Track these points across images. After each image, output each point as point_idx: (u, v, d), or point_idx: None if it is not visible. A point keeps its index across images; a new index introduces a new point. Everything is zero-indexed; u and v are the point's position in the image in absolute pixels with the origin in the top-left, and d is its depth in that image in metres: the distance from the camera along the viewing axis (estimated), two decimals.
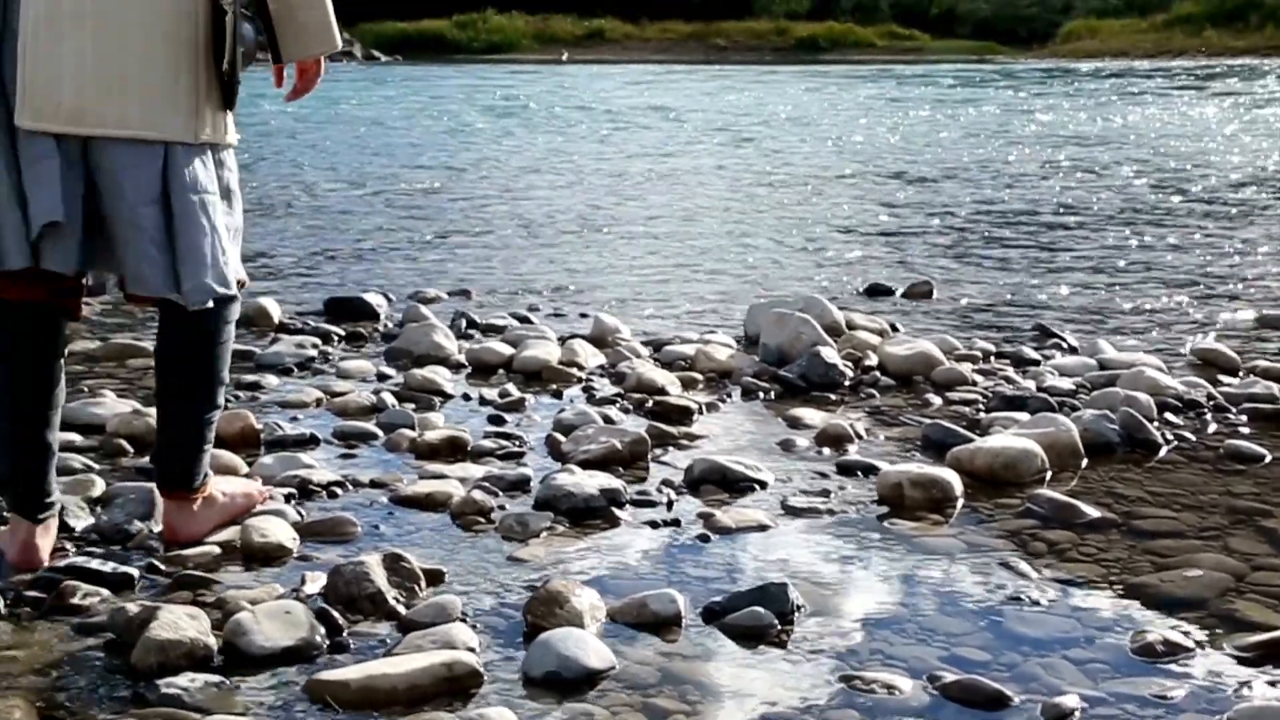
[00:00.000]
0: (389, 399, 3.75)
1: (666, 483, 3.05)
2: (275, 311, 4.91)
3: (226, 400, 2.71)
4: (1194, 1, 53.71)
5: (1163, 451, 3.35)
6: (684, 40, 60.02)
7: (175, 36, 2.26)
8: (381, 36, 55.04)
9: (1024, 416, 3.56)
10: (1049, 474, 3.15)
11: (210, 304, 2.33)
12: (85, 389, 3.82)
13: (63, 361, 2.46)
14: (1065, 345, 4.65)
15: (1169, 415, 3.63)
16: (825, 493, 3.02)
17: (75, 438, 3.27)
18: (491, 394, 3.87)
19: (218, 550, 2.56)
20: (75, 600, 2.28)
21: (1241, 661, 2.13)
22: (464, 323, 4.88)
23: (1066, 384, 3.98)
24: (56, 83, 2.19)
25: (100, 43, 2.20)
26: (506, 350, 4.33)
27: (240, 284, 2.47)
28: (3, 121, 2.21)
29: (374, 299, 5.20)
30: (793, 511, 2.89)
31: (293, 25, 2.45)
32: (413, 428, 3.46)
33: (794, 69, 37.63)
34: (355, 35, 52.25)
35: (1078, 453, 3.26)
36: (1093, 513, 2.85)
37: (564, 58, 51.31)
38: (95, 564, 2.42)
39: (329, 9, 2.51)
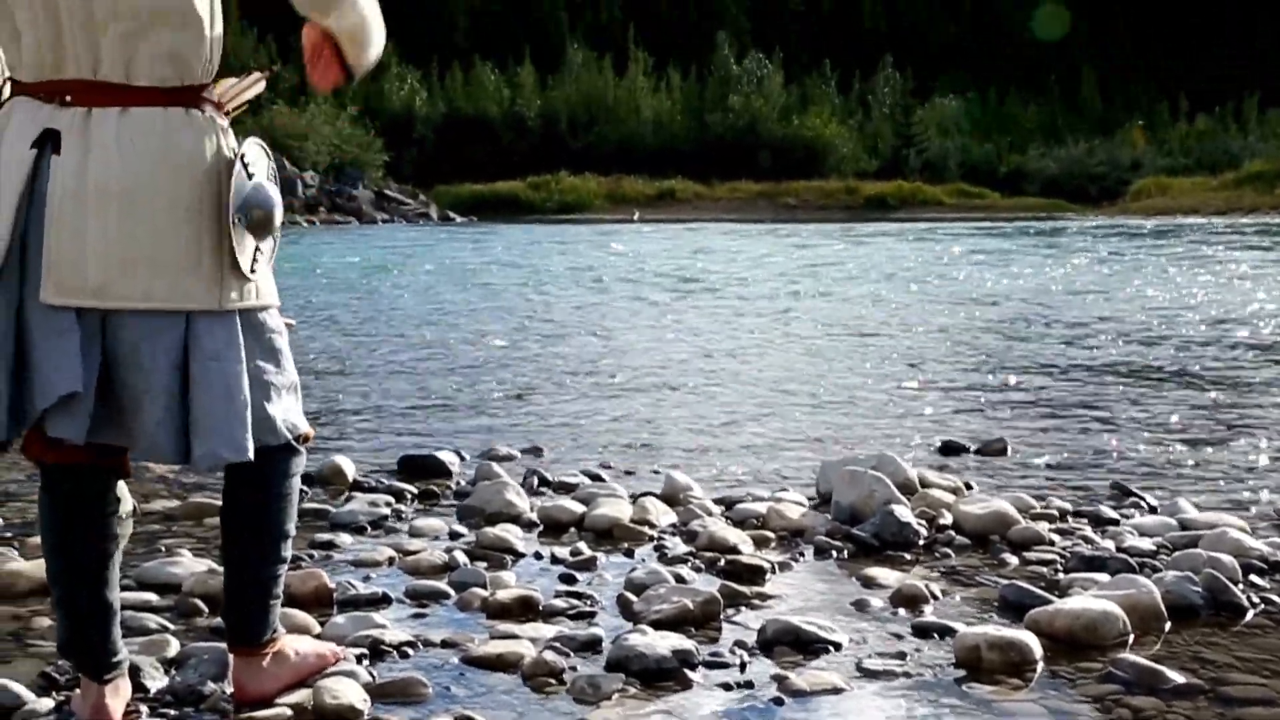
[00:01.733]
0: (461, 557, 3.75)
1: (739, 644, 3.02)
2: (349, 469, 4.95)
3: (300, 559, 2.73)
4: (1264, 160, 53.78)
5: (1249, 615, 3.27)
6: (753, 199, 60.85)
7: (199, 208, 2.28)
8: (457, 198, 56.29)
9: (1104, 578, 3.49)
10: (1131, 637, 3.07)
11: (272, 456, 2.35)
12: (162, 548, 3.86)
13: (116, 519, 2.47)
14: (1144, 504, 4.57)
15: (1254, 577, 3.54)
16: (901, 655, 2.96)
17: (151, 597, 3.29)
18: (563, 552, 3.86)
19: (289, 712, 2.55)
20: None
21: None
22: (536, 480, 4.89)
23: (1147, 544, 3.90)
24: (81, 260, 2.21)
25: (125, 219, 2.23)
26: (578, 508, 4.33)
27: (304, 438, 2.48)
28: (13, 289, 2.24)
29: (447, 456, 5.23)
30: (868, 674, 2.84)
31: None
32: (484, 587, 3.45)
33: (863, 226, 37.92)
34: (431, 197, 53.48)
35: (1160, 616, 3.19)
36: (1178, 678, 2.78)
37: (635, 217, 52.07)
38: None
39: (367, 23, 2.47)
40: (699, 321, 11.56)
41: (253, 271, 2.36)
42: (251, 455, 2.31)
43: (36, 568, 3.34)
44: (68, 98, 2.25)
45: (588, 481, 4.92)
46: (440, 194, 56.19)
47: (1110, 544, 3.92)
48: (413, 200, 50.72)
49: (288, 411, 2.43)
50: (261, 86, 2.45)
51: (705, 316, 12.05)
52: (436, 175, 62.49)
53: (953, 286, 15.49)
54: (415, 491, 4.74)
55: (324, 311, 12.47)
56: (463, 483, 4.93)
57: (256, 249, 2.37)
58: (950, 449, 5.66)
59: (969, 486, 4.79)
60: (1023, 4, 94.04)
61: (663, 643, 2.87)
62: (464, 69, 76.53)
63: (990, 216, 50.49)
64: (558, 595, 3.41)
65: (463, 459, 5.35)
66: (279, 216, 2.39)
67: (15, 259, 2.24)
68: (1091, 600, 3.17)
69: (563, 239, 29.18)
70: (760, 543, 3.99)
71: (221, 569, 3.31)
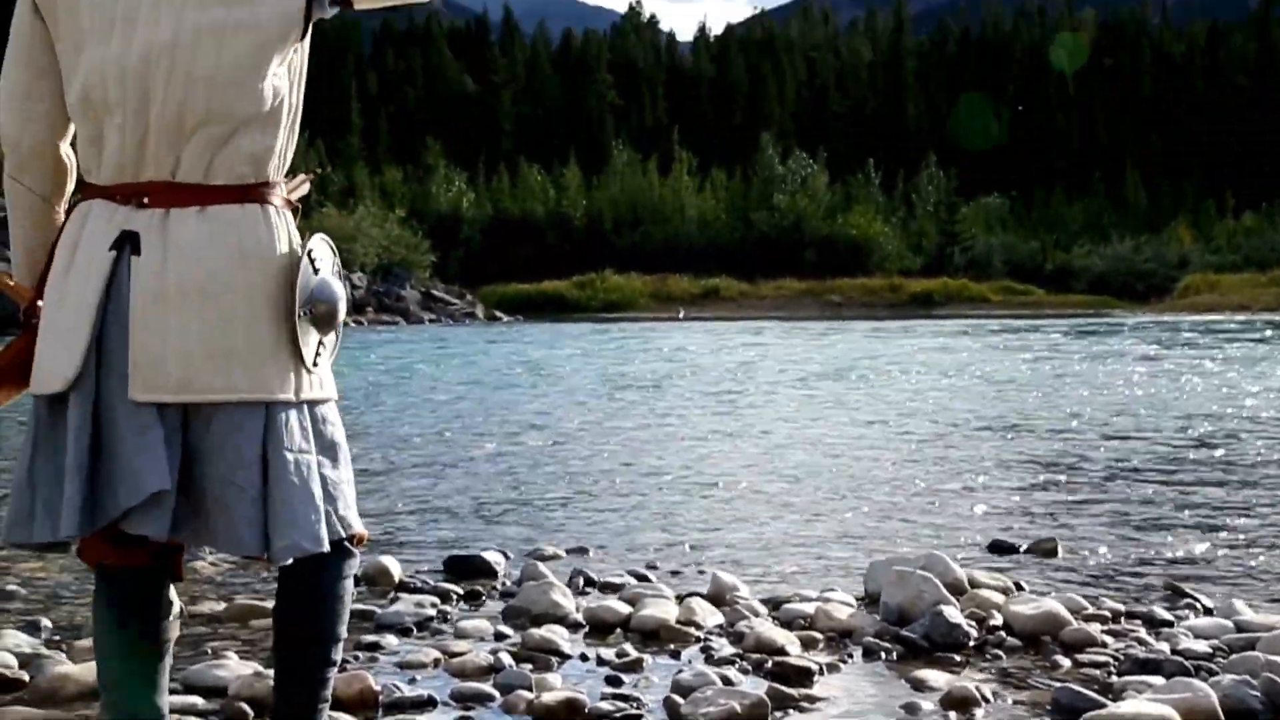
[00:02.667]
0: (506, 659, 3.73)
1: None
2: (395, 570, 4.95)
3: (345, 661, 2.72)
4: None
5: None
6: (798, 297, 61.00)
7: (275, 300, 2.32)
8: (503, 298, 56.77)
9: (1159, 681, 3.43)
10: None
11: (325, 557, 2.35)
12: (208, 650, 3.86)
13: (167, 623, 2.48)
14: (1199, 605, 4.50)
15: None
16: None
17: (198, 701, 3.29)
18: (609, 654, 3.84)
19: None
20: None
21: None
22: (582, 580, 4.87)
23: (1202, 647, 3.84)
24: (164, 358, 2.24)
25: (206, 314, 2.26)
26: (624, 609, 4.30)
27: (359, 539, 2.48)
28: (90, 391, 2.26)
29: (492, 557, 5.22)
30: None
31: None
32: (530, 689, 3.42)
33: (909, 324, 37.90)
34: (477, 297, 53.93)
35: None
36: None
37: (680, 315, 52.28)
38: None
39: None
40: (744, 419, 11.54)
41: (315, 364, 2.38)
42: (328, 546, 2.32)
43: (85, 671, 3.35)
44: (145, 199, 2.29)
45: (634, 581, 4.90)
46: (486, 294, 56.66)
47: (1165, 646, 3.85)
48: (459, 300, 51.15)
49: (344, 510, 2.42)
50: (305, 189, 2.50)
51: (751, 414, 12.04)
52: (482, 275, 63.11)
53: (999, 383, 15.42)
54: (461, 592, 4.73)
55: (368, 410, 12.54)
56: (508, 583, 4.91)
57: (320, 343, 2.40)
58: (1000, 548, 5.60)
59: (1019, 586, 4.73)
60: (1064, 105, 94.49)
61: None
62: (510, 171, 77.53)
63: (1037, 313, 50.34)
64: (604, 698, 3.38)
65: (508, 559, 5.33)
66: (343, 311, 2.42)
67: (93, 362, 2.27)
68: (1147, 704, 3.11)
69: (607, 338, 29.31)
70: (808, 644, 3.95)
71: (267, 671, 3.31)
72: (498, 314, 50.22)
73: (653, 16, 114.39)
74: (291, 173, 2.47)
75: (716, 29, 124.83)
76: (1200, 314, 45.26)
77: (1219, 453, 8.87)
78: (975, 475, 7.96)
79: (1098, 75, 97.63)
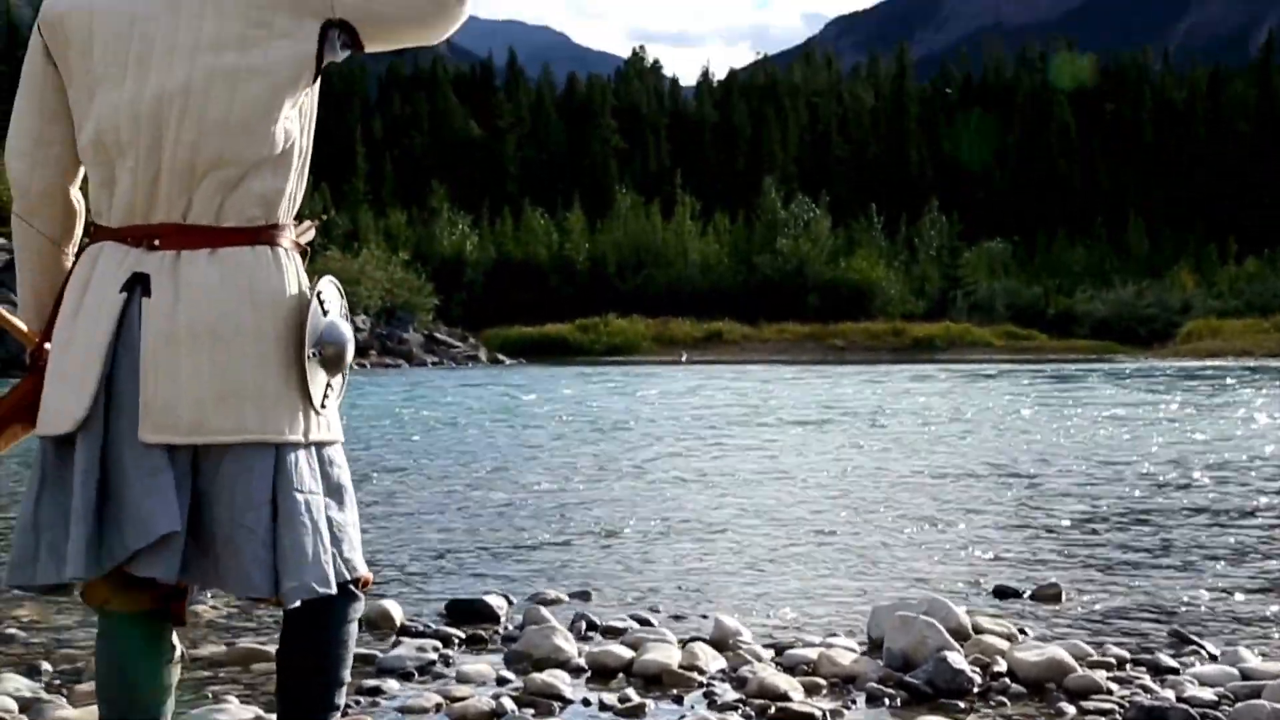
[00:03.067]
0: (509, 704, 3.72)
1: None
2: (397, 614, 4.94)
3: (347, 705, 2.70)
4: None
5: None
6: (801, 340, 61.04)
7: (284, 341, 2.33)
8: (506, 341, 56.82)
9: None
10: None
11: (330, 600, 2.34)
12: (209, 695, 3.84)
13: (169, 667, 2.47)
14: (1204, 652, 4.48)
15: None
16: None
17: None
18: (611, 699, 3.82)
19: None
20: None
21: None
22: (584, 625, 4.85)
23: (1208, 694, 3.82)
24: (175, 400, 2.25)
25: (216, 355, 2.27)
26: (627, 653, 4.29)
27: (364, 582, 2.48)
28: (98, 434, 2.27)
29: (495, 601, 5.21)
30: None
31: None
32: None
33: (911, 368, 37.90)
34: (480, 340, 54.00)
35: None
36: None
37: (683, 358, 52.32)
38: None
39: None
40: (747, 463, 11.53)
41: (323, 406, 2.39)
42: (335, 589, 2.32)
43: (86, 715, 3.34)
44: (156, 241, 2.31)
45: (636, 626, 4.88)
46: (490, 337, 56.73)
47: (1170, 694, 3.84)
48: (462, 343, 51.21)
49: (349, 552, 2.42)
50: (311, 234, 2.51)
51: (753, 458, 12.02)
52: (486, 318, 63.22)
53: (1002, 428, 15.41)
54: (463, 636, 4.72)
55: (371, 453, 12.53)
56: (510, 627, 4.89)
57: (328, 384, 2.41)
58: (1003, 593, 5.59)
59: (1024, 632, 4.71)
60: (1066, 150, 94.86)
61: None
62: (514, 214, 77.78)
63: (1040, 358, 50.35)
64: None
65: (510, 603, 5.32)
66: (350, 353, 2.44)
67: (102, 403, 2.28)
68: None
69: (610, 381, 29.31)
70: (811, 689, 3.93)
71: (269, 715, 3.30)
72: (500, 357, 50.24)
73: (656, 61, 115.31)
74: (299, 217, 2.49)
75: (720, 74, 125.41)
76: (1203, 359, 45.25)
77: (1224, 498, 8.85)
78: (979, 520, 7.93)
79: (1099, 121, 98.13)
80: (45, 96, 2.41)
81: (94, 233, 2.39)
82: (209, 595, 5.04)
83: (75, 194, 2.48)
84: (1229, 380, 27.09)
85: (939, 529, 7.59)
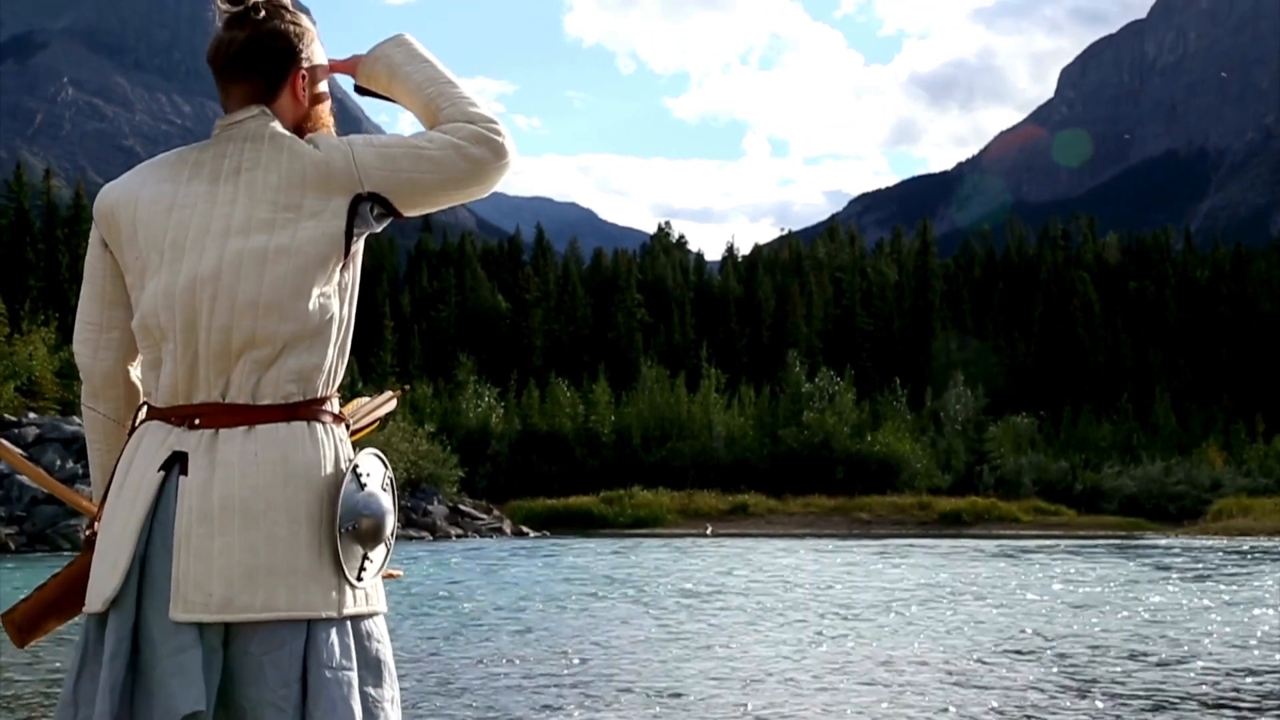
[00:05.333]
0: None
1: None
2: None
3: None
4: None
5: None
6: (827, 514, 60.57)
7: (318, 517, 2.35)
8: (531, 513, 56.62)
9: None
10: None
11: None
12: None
13: None
14: None
15: None
16: None
17: None
18: None
19: None
20: None
21: None
22: None
23: None
24: (206, 577, 2.27)
25: (249, 532, 2.30)
26: None
27: None
28: (129, 610, 2.29)
29: None
30: None
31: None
32: None
33: (938, 543, 37.58)
34: (505, 512, 53.83)
35: None
36: None
37: (708, 532, 52.00)
38: None
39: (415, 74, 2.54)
40: (767, 639, 11.41)
41: (360, 579, 2.39)
42: None
43: None
44: (197, 420, 2.36)
45: None
46: (514, 509, 56.53)
47: None
48: (486, 515, 51.03)
49: None
50: (393, 405, 2.55)
51: (772, 634, 11.90)
52: (510, 490, 63.13)
53: (1031, 609, 15.23)
54: None
55: (402, 629, 12.46)
56: None
57: (366, 557, 2.40)
58: None
59: None
60: (1090, 325, 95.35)
61: None
62: (540, 386, 78.22)
63: (1068, 534, 49.87)
64: None
65: None
66: (390, 525, 2.43)
67: (134, 582, 2.31)
68: None
69: (633, 554, 29.14)
70: None
71: None
72: (525, 529, 50.04)
73: (681, 237, 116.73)
74: (378, 390, 2.51)
75: (744, 249, 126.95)
76: (1234, 537, 44.74)
77: (1263, 685, 8.71)
78: (1009, 705, 7.83)
79: (1123, 298, 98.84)
80: (105, 284, 2.51)
81: (146, 412, 2.45)
82: None
83: (137, 375, 2.56)
84: (1261, 560, 26.75)
85: (970, 710, 7.48)
